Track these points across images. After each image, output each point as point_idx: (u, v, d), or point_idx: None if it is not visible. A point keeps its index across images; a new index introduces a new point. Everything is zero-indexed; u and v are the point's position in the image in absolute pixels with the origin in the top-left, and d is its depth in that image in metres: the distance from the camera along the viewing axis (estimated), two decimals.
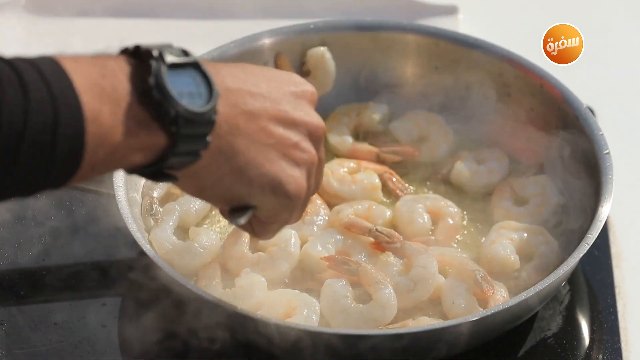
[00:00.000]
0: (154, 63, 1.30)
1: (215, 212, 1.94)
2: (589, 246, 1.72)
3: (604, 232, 2.00)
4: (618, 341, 1.83)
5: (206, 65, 1.35)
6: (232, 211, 1.48)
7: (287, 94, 1.45)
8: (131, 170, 1.34)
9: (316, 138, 1.48)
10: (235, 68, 1.42)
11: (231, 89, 1.38)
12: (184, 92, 1.31)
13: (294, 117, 1.44)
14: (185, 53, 1.34)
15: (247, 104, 1.39)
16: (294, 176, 1.44)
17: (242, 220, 1.46)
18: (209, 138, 1.34)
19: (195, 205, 1.90)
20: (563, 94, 1.96)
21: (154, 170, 1.35)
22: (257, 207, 1.46)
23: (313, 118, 1.47)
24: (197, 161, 1.35)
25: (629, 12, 2.53)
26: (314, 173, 1.49)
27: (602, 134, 1.89)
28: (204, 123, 1.32)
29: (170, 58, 1.31)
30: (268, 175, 1.41)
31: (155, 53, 1.31)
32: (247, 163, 1.39)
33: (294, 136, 1.44)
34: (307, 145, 1.46)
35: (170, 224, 1.86)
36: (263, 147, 1.40)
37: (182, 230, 1.87)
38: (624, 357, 1.81)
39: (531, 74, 2.00)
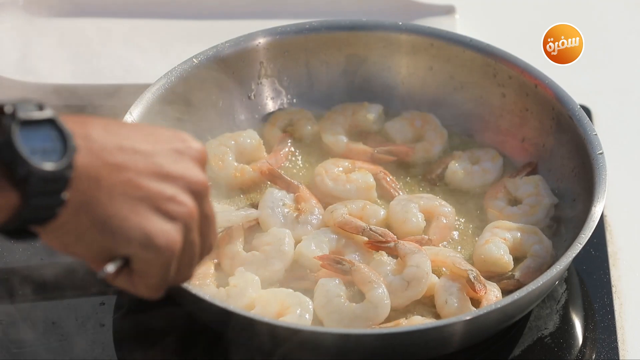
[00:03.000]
0: (5, 120, 1.28)
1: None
2: (581, 246, 1.72)
3: (601, 231, 2.00)
4: (615, 340, 1.83)
5: (71, 119, 1.32)
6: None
7: (166, 149, 1.40)
8: None
9: (197, 193, 1.41)
10: (111, 122, 1.38)
11: (96, 140, 1.34)
12: (37, 149, 1.28)
13: (169, 171, 1.38)
14: (41, 107, 1.31)
15: (113, 155, 1.34)
16: (164, 229, 1.37)
17: (110, 267, 1.38)
18: (64, 195, 1.30)
19: None
20: (557, 94, 1.96)
21: (15, 229, 1.32)
22: (129, 259, 1.40)
23: (194, 173, 1.40)
24: (54, 218, 1.32)
25: (629, 12, 2.52)
26: (196, 228, 1.42)
27: (595, 134, 1.89)
28: (56, 180, 1.29)
29: (23, 114, 1.28)
30: (133, 229, 1.36)
31: (8, 109, 1.28)
32: (109, 216, 1.34)
33: (168, 189, 1.38)
34: (184, 198, 1.39)
35: None
36: (129, 199, 1.35)
37: None
38: (620, 356, 1.81)
39: (525, 74, 2.00)
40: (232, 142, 2.01)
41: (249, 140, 2.02)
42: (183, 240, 1.40)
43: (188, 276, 1.45)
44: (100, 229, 1.34)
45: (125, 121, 1.39)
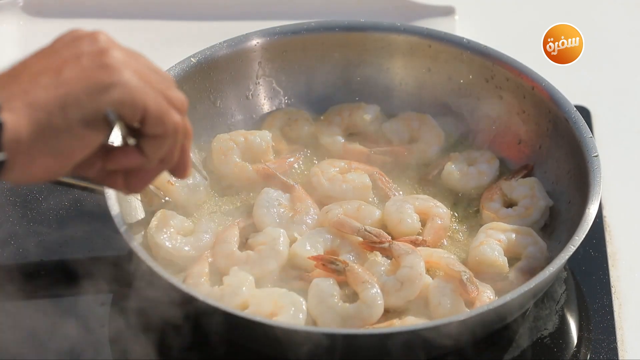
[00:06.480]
0: None
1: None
2: (575, 248, 1.72)
3: (600, 232, 2.00)
4: (614, 341, 1.83)
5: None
6: None
7: (61, 51, 1.43)
8: None
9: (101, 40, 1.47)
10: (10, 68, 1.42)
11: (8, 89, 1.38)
12: None
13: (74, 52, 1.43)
14: None
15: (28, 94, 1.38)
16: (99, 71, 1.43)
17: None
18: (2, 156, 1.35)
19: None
20: (554, 96, 1.96)
21: None
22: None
23: (86, 38, 1.45)
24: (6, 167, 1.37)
25: (629, 12, 2.52)
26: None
27: (591, 137, 1.89)
28: None
29: None
30: (81, 86, 1.40)
31: None
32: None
33: (79, 52, 1.42)
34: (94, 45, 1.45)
35: None
36: (54, 79, 1.40)
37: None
38: (619, 357, 1.81)
39: (523, 76, 2.00)
40: (242, 139, 2.02)
41: (258, 140, 2.02)
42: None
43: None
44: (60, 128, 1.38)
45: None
